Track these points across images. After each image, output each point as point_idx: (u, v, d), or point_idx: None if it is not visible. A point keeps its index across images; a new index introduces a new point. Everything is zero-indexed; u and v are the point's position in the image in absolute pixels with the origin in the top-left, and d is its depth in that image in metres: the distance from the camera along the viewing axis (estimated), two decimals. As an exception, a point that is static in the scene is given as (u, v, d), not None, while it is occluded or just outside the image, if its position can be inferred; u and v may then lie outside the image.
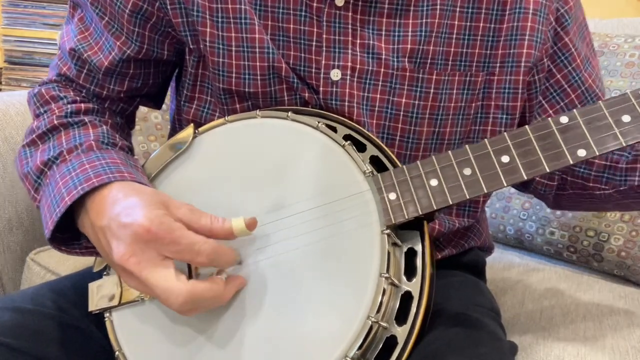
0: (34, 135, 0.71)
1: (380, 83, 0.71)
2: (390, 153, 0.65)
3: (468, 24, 0.71)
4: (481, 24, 0.71)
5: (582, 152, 0.57)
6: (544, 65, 0.74)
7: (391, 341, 0.57)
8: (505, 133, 0.59)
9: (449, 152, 0.61)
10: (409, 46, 0.70)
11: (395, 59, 0.70)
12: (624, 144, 0.56)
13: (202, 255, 0.57)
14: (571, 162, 0.57)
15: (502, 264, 1.15)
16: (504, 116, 0.74)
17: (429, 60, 0.71)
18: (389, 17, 0.70)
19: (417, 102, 0.72)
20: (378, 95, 0.71)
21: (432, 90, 0.71)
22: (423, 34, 0.70)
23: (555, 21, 0.73)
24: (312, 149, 0.66)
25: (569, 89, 0.75)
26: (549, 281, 1.05)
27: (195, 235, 0.57)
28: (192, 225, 0.59)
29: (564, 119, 0.58)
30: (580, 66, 0.75)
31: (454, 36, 0.71)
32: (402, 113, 0.72)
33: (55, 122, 0.71)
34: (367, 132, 0.67)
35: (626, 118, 0.56)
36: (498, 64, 0.72)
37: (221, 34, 0.71)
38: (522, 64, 0.72)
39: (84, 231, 0.65)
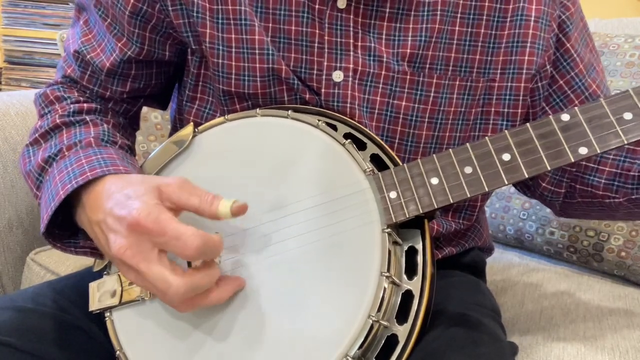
0: (37, 135, 0.72)
1: (380, 85, 0.71)
2: (391, 152, 0.65)
3: (469, 29, 0.71)
4: (482, 30, 0.71)
5: (583, 150, 0.56)
6: (547, 72, 0.74)
7: (392, 340, 0.57)
8: (506, 131, 0.59)
9: (450, 150, 0.61)
10: (408, 50, 0.70)
11: (396, 63, 0.71)
12: (626, 142, 0.55)
13: (190, 249, 0.55)
14: (572, 160, 0.56)
15: (502, 264, 1.15)
16: (504, 122, 0.74)
17: (427, 65, 0.71)
18: (389, 21, 0.70)
19: (416, 105, 0.72)
20: (378, 98, 0.71)
21: (432, 94, 0.72)
22: (423, 39, 0.70)
23: (557, 27, 0.73)
24: (312, 148, 0.66)
25: (572, 95, 0.75)
26: (549, 281, 1.05)
27: (183, 228, 0.55)
28: (180, 205, 0.59)
29: (565, 117, 0.58)
30: (583, 72, 0.75)
31: (455, 42, 0.71)
32: (401, 116, 0.72)
33: (58, 121, 0.72)
34: (367, 130, 0.67)
35: (628, 115, 0.56)
36: (499, 71, 0.72)
37: (221, 35, 0.71)
38: (524, 70, 0.72)
39: (82, 226, 0.65)
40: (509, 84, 0.72)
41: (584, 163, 0.76)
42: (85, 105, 0.75)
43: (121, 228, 0.56)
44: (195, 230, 0.56)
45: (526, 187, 0.83)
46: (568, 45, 0.74)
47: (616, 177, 0.75)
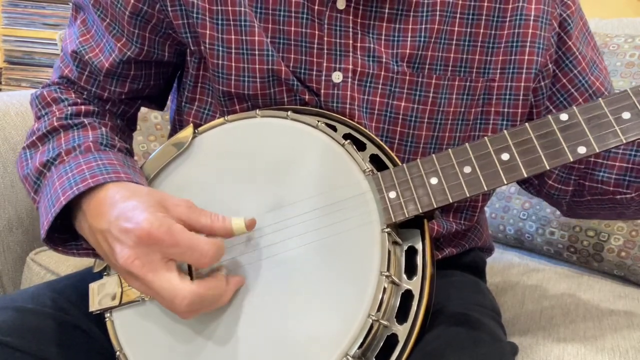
0: (34, 137, 0.72)
1: (380, 86, 0.71)
2: (390, 152, 0.66)
3: (468, 30, 0.71)
4: (481, 30, 0.71)
5: (582, 150, 0.56)
6: (549, 71, 0.73)
7: (392, 340, 0.57)
8: (505, 131, 0.59)
9: (449, 150, 0.61)
10: (407, 51, 0.70)
11: (395, 63, 0.71)
12: (624, 141, 0.56)
13: (206, 257, 0.56)
14: (571, 160, 0.57)
15: (502, 264, 1.15)
16: (505, 122, 0.74)
17: (427, 66, 0.71)
18: (389, 22, 0.70)
19: (416, 105, 0.72)
20: (378, 99, 0.71)
21: (431, 95, 0.72)
22: (422, 39, 0.70)
23: (558, 26, 0.73)
24: (312, 148, 0.66)
25: (576, 93, 0.75)
26: (549, 281, 1.05)
27: (197, 237, 0.57)
28: (191, 224, 0.59)
29: (563, 117, 0.58)
30: (585, 69, 0.75)
31: (454, 42, 0.71)
32: (401, 116, 0.72)
33: (55, 123, 0.71)
34: (367, 131, 0.67)
35: (626, 115, 0.56)
36: (498, 70, 0.72)
37: (221, 36, 0.71)
38: (524, 70, 0.71)
39: (81, 233, 0.65)
40: (509, 83, 0.72)
41: (592, 159, 0.76)
42: (83, 107, 0.74)
43: (128, 238, 0.56)
44: (208, 239, 0.57)
45: (531, 185, 0.83)
46: (570, 43, 0.74)
47: (627, 171, 0.74)
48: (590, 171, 0.76)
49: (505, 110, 0.73)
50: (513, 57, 0.71)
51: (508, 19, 0.71)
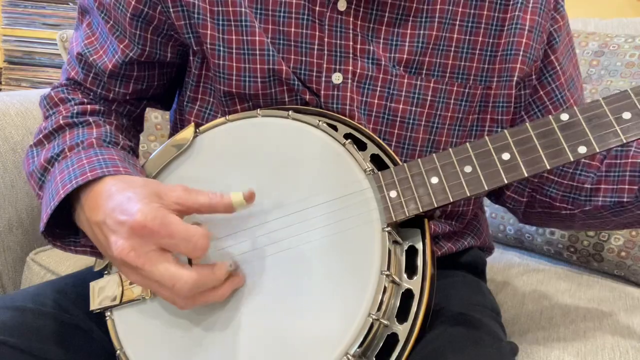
0: (40, 136, 0.73)
1: (378, 88, 0.72)
2: (391, 152, 0.66)
3: (467, 37, 0.72)
4: (480, 39, 0.72)
5: (582, 149, 0.57)
6: (531, 82, 0.74)
7: (392, 339, 0.58)
8: (505, 130, 0.59)
9: (450, 149, 0.61)
10: (405, 56, 0.71)
11: (393, 67, 0.71)
12: (624, 141, 0.56)
13: (200, 249, 0.57)
14: (572, 159, 0.57)
15: (502, 264, 1.15)
16: (499, 129, 0.75)
17: (424, 71, 0.71)
18: (388, 26, 0.71)
19: (414, 108, 0.72)
20: (376, 101, 0.72)
21: (429, 98, 0.72)
22: (420, 44, 0.71)
23: (546, 39, 0.74)
24: (312, 148, 0.66)
25: (551, 107, 0.76)
26: (549, 281, 1.06)
27: (190, 228, 0.57)
28: (190, 206, 0.59)
29: (564, 117, 0.58)
30: (563, 85, 0.76)
31: (452, 49, 0.71)
32: (398, 119, 0.72)
33: (61, 122, 0.72)
34: (367, 131, 0.68)
35: (627, 115, 0.56)
36: (495, 78, 0.73)
37: (222, 36, 0.71)
38: (515, 78, 0.72)
39: (80, 226, 0.65)
40: (503, 91, 0.73)
41: (545, 175, 0.78)
42: (88, 106, 0.75)
43: (123, 229, 0.56)
44: (203, 230, 0.57)
45: (492, 193, 0.85)
46: (552, 57, 0.75)
47: (572, 189, 0.77)
48: (541, 186, 0.79)
49: (500, 117, 0.74)
50: (507, 65, 0.72)
51: (506, 27, 0.72)
